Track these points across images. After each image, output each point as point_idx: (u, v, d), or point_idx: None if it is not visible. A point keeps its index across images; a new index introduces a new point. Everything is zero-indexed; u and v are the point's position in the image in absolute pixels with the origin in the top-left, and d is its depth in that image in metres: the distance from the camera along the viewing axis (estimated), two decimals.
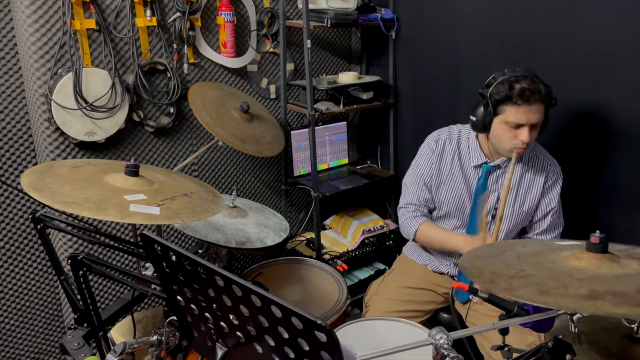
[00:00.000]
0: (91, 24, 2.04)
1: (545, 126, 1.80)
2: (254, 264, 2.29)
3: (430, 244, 2.03)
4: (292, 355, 0.88)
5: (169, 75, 2.28)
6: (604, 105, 1.95)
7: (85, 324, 1.44)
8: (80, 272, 1.35)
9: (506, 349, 1.21)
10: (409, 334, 1.66)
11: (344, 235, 2.82)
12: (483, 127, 1.79)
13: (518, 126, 1.72)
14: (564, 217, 1.96)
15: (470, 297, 1.94)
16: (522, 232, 2.01)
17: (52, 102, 1.96)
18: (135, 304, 1.65)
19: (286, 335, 0.86)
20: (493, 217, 1.92)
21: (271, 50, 2.61)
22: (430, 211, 2.05)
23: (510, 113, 1.71)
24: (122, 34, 2.14)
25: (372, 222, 2.82)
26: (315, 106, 2.49)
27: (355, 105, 2.69)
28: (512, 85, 1.69)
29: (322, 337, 0.79)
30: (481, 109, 1.77)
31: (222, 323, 1.02)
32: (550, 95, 1.72)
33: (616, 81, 1.90)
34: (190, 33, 2.26)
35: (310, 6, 2.41)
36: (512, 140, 1.75)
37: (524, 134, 1.72)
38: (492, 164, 1.90)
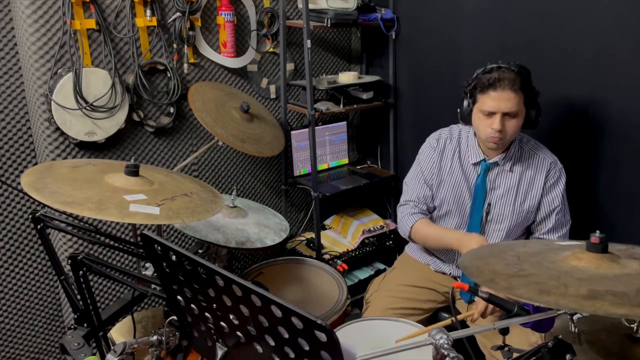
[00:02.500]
0: (91, 24, 2.04)
1: (536, 122, 1.82)
2: (254, 264, 2.30)
3: (426, 241, 2.03)
4: (292, 355, 0.88)
5: (169, 75, 2.28)
6: (605, 105, 1.95)
7: (85, 324, 1.44)
8: (80, 272, 1.35)
9: (506, 348, 1.21)
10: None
11: (344, 235, 2.82)
12: (466, 117, 1.88)
13: (490, 114, 1.77)
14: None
15: (475, 299, 1.94)
16: (528, 233, 2.01)
17: (52, 102, 1.96)
18: (135, 304, 1.65)
19: (286, 335, 0.86)
20: (487, 213, 1.92)
21: (271, 50, 2.61)
22: (430, 210, 2.04)
23: (482, 101, 1.78)
24: (122, 34, 2.14)
25: (372, 222, 2.82)
26: (315, 106, 2.49)
27: (355, 105, 2.69)
28: (483, 75, 1.78)
29: (322, 337, 0.79)
30: (464, 101, 1.87)
31: (222, 323, 1.02)
32: (521, 82, 1.74)
33: (617, 81, 1.90)
34: (190, 33, 2.26)
35: (310, 6, 2.41)
36: (486, 129, 1.79)
37: (495, 122, 1.76)
38: (490, 161, 1.90)
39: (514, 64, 1.77)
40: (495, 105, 1.75)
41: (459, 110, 1.89)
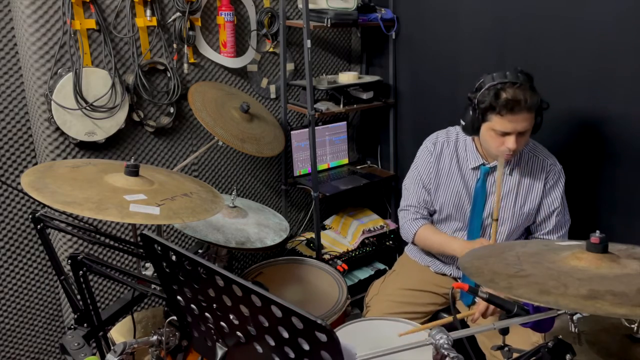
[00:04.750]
0: (91, 24, 2.04)
1: (540, 127, 1.79)
2: (254, 264, 2.30)
3: (429, 247, 2.03)
4: (292, 355, 0.88)
5: (169, 75, 2.28)
6: (603, 107, 1.95)
7: (85, 324, 1.44)
8: (80, 272, 1.35)
9: (506, 349, 1.21)
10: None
11: (344, 235, 2.82)
12: (472, 131, 1.81)
13: (504, 134, 1.72)
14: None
15: (476, 300, 1.94)
16: (528, 233, 2.00)
17: (52, 102, 1.96)
18: (135, 304, 1.65)
19: (286, 335, 0.86)
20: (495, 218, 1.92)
21: (271, 50, 2.61)
22: (431, 214, 2.04)
23: (496, 122, 1.71)
24: (122, 34, 2.13)
25: (372, 222, 2.82)
26: (315, 106, 2.49)
27: (355, 105, 2.69)
28: (497, 94, 1.68)
29: (323, 337, 0.79)
30: (470, 113, 1.77)
31: (222, 323, 1.02)
32: (537, 103, 1.70)
33: (616, 83, 1.89)
34: (190, 33, 2.26)
35: (310, 6, 2.41)
36: (499, 147, 1.75)
37: (510, 142, 1.72)
38: (490, 165, 1.89)
39: (520, 73, 1.71)
40: (511, 127, 1.69)
41: (462, 122, 1.82)
